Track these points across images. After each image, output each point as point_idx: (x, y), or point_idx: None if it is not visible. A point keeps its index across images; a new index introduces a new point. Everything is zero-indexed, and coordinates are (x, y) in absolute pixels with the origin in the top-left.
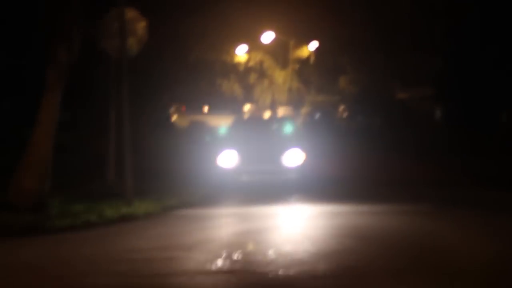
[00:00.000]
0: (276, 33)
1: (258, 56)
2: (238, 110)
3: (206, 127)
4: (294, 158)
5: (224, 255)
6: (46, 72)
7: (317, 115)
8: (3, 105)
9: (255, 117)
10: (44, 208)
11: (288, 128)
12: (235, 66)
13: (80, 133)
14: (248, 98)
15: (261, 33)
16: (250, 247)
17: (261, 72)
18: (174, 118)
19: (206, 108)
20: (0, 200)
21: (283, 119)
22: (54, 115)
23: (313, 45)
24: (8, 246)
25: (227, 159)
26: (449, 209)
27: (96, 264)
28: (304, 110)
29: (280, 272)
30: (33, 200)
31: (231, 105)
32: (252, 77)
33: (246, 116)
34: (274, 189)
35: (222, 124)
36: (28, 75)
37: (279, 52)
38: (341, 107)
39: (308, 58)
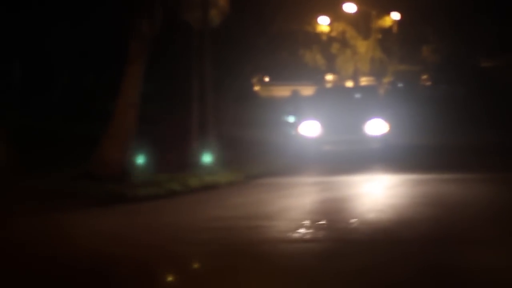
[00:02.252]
0: (358, 3)
1: (340, 27)
2: (321, 81)
3: (300, 96)
4: (377, 127)
5: (306, 223)
6: (129, 44)
7: (400, 85)
8: (88, 78)
9: (338, 86)
10: (127, 178)
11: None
12: (317, 36)
13: (164, 104)
14: (330, 68)
15: (343, 2)
16: (333, 215)
17: (344, 42)
18: (257, 88)
19: (293, 78)
20: (85, 170)
21: (366, 88)
22: (138, 86)
23: (395, 15)
24: (92, 215)
25: (310, 129)
26: None
27: (180, 232)
28: (387, 79)
29: (364, 240)
30: (117, 169)
31: (314, 75)
32: (335, 47)
33: (327, 86)
34: (356, 159)
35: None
36: (111, 48)
37: (361, 22)
38: (424, 76)
39: (390, 28)
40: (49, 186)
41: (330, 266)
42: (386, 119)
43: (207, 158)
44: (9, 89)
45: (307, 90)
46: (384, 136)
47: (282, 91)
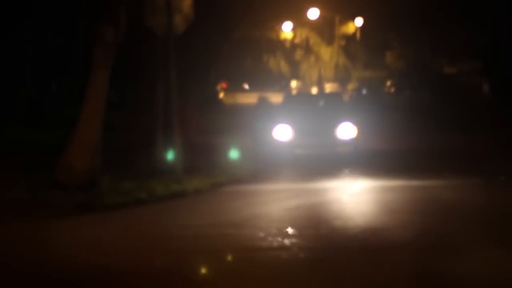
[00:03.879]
0: (321, 9)
1: (304, 33)
2: (286, 87)
3: (269, 103)
4: (346, 132)
5: (274, 231)
6: (93, 51)
7: (364, 91)
8: (51, 85)
9: (305, 94)
10: (94, 186)
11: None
12: (281, 43)
13: (129, 111)
14: (294, 75)
15: (306, 9)
16: (301, 222)
17: (307, 49)
18: (221, 95)
19: (246, 85)
20: (50, 178)
21: (332, 95)
22: (103, 93)
23: (359, 21)
24: (59, 225)
25: (283, 133)
26: (501, 182)
27: (147, 241)
28: (351, 86)
29: (331, 247)
30: (83, 178)
31: (278, 82)
32: (298, 54)
33: (294, 93)
34: (326, 163)
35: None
36: (75, 55)
37: (324, 28)
38: (388, 82)
39: (354, 34)
40: (13, 195)
41: (298, 274)
42: (354, 124)
43: (173, 166)
44: None
45: (272, 97)
46: (353, 140)
47: (247, 98)
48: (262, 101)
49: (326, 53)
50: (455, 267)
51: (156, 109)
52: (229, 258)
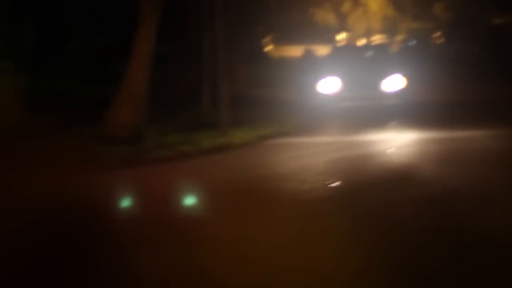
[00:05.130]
0: None
1: None
2: (332, 40)
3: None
4: (394, 83)
5: (320, 183)
6: (140, 5)
7: (412, 42)
8: (100, 39)
9: (352, 45)
10: (140, 140)
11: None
12: None
13: (176, 64)
14: (342, 27)
15: None
16: (347, 175)
17: (355, 0)
18: (268, 48)
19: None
20: (97, 132)
21: (379, 46)
22: (149, 47)
23: None
24: (105, 178)
25: (329, 85)
26: None
27: (194, 195)
28: (399, 37)
29: (377, 199)
30: (130, 132)
31: (325, 35)
32: (346, 6)
33: (341, 44)
34: (373, 116)
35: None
36: (124, 9)
37: None
38: (437, 34)
39: None
40: (60, 149)
41: (344, 225)
42: (402, 76)
43: (219, 119)
44: (21, 51)
45: (318, 50)
46: (401, 92)
47: (293, 51)
48: (308, 53)
49: (374, 4)
50: (496, 217)
51: (203, 62)
52: (273, 211)
